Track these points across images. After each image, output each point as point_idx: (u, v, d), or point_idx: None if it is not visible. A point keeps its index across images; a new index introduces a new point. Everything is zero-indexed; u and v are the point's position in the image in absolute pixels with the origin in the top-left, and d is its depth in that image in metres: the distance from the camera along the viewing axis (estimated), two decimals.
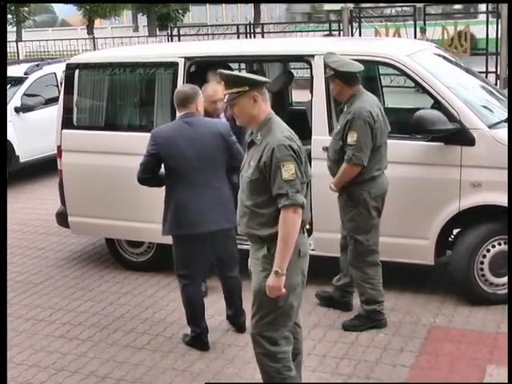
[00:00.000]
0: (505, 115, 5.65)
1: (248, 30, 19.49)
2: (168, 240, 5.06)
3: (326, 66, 5.11)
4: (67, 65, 6.73)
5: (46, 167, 10.06)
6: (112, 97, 6.57)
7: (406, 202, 5.43)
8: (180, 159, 4.80)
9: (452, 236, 5.67)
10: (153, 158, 4.86)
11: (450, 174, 5.34)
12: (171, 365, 4.82)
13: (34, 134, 10.32)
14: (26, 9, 35.19)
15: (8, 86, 9.81)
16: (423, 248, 5.51)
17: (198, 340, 5.01)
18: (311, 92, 5.81)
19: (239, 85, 3.70)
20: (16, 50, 25.36)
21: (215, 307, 5.49)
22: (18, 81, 10.80)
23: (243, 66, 7.90)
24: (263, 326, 3.80)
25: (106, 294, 6.11)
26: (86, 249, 7.36)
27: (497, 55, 15.99)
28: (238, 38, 18.43)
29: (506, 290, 5.40)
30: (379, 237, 5.15)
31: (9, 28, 28.77)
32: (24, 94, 10.68)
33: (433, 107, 5.53)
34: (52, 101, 10.25)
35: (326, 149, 5.58)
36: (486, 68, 16.16)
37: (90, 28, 34.42)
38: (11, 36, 27.79)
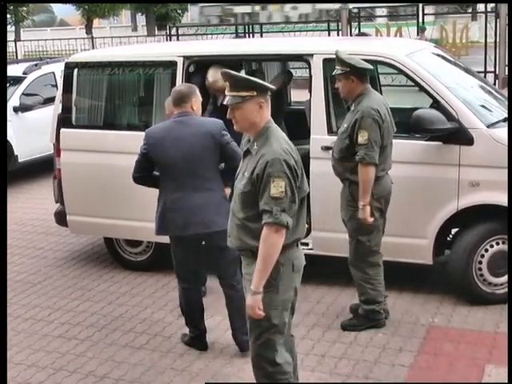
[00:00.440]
0: (503, 115, 5.66)
1: (247, 30, 19.52)
2: (166, 239, 5.04)
3: (340, 62, 4.94)
4: (66, 64, 6.71)
5: (45, 167, 10.03)
6: (111, 96, 6.56)
7: (404, 201, 5.43)
8: (167, 160, 4.71)
9: (450, 235, 5.67)
10: (143, 157, 4.82)
11: (449, 173, 5.34)
12: (170, 364, 4.82)
13: (32, 133, 10.30)
14: (25, 8, 35.19)
15: (7, 86, 9.79)
16: (421, 247, 5.51)
17: (197, 340, 5.00)
18: (310, 91, 5.82)
19: (248, 89, 3.52)
20: (14, 50, 25.38)
21: (214, 307, 5.48)
22: (17, 80, 10.80)
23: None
24: (259, 347, 3.69)
25: (104, 294, 6.11)
26: (85, 248, 7.36)
27: (496, 55, 16.02)
28: (237, 37, 18.43)
29: (504, 290, 5.40)
30: (381, 238, 5.15)
31: (7, 27, 28.73)
32: (23, 94, 10.68)
33: (431, 107, 5.53)
34: (51, 100, 10.14)
35: (324, 148, 5.59)
36: (485, 68, 16.20)
37: (88, 28, 34.45)
38: (10, 36, 27.72)
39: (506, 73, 15.90)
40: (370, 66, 5.05)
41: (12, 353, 5.04)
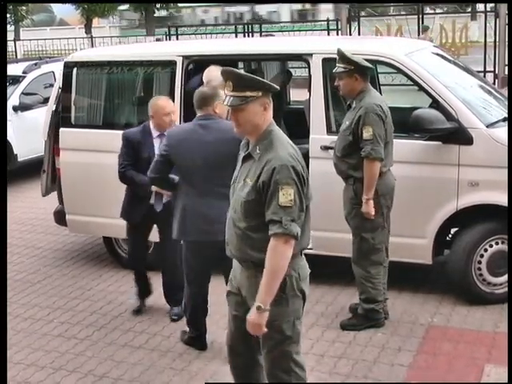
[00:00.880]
0: (503, 114, 5.66)
1: (246, 30, 19.53)
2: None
3: (344, 60, 4.91)
4: (65, 63, 6.71)
5: None
6: (110, 95, 6.57)
7: (403, 200, 5.42)
8: (188, 164, 4.59)
9: (450, 235, 5.67)
10: (163, 158, 4.67)
11: (448, 173, 5.34)
12: (169, 364, 4.82)
13: (32, 132, 10.24)
14: (24, 8, 35.14)
15: (6, 85, 9.79)
16: (421, 247, 5.51)
17: (197, 340, 5.00)
18: (309, 91, 5.82)
19: (253, 89, 3.25)
20: (14, 49, 25.40)
21: (214, 306, 5.47)
22: (16, 80, 10.81)
23: (241, 64, 7.90)
24: (274, 359, 3.47)
25: (103, 293, 6.11)
26: (84, 248, 7.36)
27: (495, 54, 16.04)
28: (236, 37, 18.45)
29: (503, 290, 5.40)
30: (386, 236, 5.14)
31: (7, 27, 28.72)
32: (22, 93, 10.70)
33: (431, 106, 5.53)
34: None
35: (324, 148, 5.59)
36: (484, 67, 16.21)
37: (87, 27, 34.40)
38: (9, 35, 27.61)
39: (506, 72, 15.93)
40: (372, 66, 5.06)
41: (11, 352, 5.04)
